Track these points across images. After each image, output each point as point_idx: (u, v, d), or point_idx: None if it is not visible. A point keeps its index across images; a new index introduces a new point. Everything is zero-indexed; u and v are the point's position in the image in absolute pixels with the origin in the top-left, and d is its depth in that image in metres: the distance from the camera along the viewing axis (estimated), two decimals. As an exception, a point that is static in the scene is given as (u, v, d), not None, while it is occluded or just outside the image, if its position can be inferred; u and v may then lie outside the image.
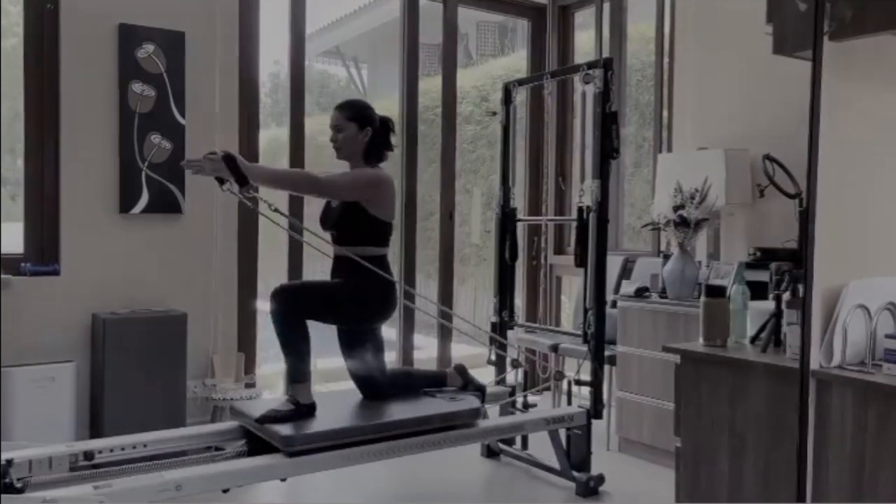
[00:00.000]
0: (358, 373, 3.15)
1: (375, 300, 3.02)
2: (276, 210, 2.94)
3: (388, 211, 3.03)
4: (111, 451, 2.70)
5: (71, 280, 3.56)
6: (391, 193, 3.05)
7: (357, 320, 3.08)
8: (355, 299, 2.98)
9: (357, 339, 3.13)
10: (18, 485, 2.35)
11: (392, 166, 5.30)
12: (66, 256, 3.57)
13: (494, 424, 3.34)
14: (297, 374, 2.86)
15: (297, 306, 2.87)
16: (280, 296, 2.86)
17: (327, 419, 2.82)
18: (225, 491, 2.53)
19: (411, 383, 3.26)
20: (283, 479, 2.75)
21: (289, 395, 2.88)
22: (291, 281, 3.08)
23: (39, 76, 3.58)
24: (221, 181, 2.80)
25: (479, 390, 3.28)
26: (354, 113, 3.05)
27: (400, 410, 2.98)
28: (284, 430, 2.68)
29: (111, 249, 3.66)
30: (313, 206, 3.20)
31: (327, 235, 3.09)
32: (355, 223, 2.98)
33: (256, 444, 2.79)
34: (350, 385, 3.24)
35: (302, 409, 2.82)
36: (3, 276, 3.39)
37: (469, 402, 3.11)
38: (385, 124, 3.12)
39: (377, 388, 3.14)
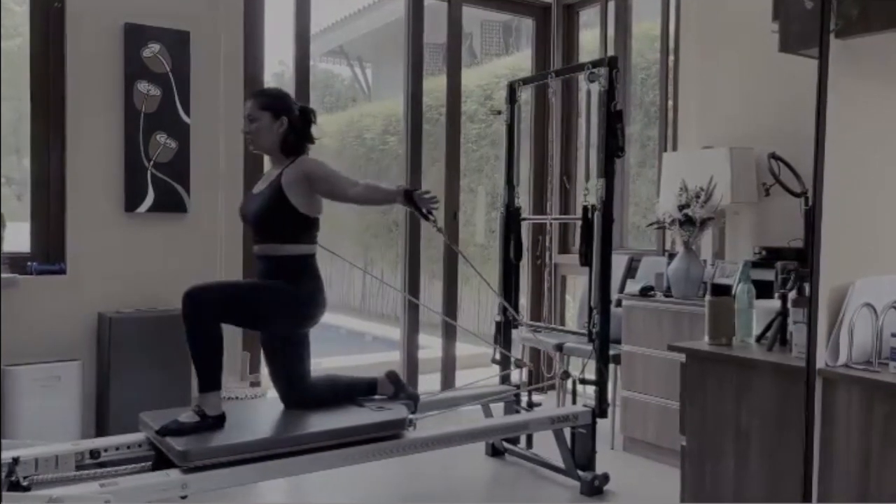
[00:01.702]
0: (279, 380, 2.95)
1: (303, 304, 2.83)
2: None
3: (317, 206, 2.86)
4: (117, 449, 2.70)
5: (77, 279, 3.57)
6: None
7: (281, 325, 2.88)
8: (280, 303, 2.77)
9: (280, 343, 2.94)
10: (24, 483, 2.36)
11: (396, 165, 5.31)
12: (71, 255, 3.58)
13: (499, 423, 3.34)
14: (206, 382, 2.65)
15: (211, 309, 2.67)
16: (193, 298, 2.66)
17: (235, 432, 2.63)
18: (183, 497, 2.41)
19: (337, 391, 3.02)
20: (184, 497, 2.46)
21: (195, 406, 2.67)
22: (206, 281, 2.83)
23: (45, 76, 3.59)
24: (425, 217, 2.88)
25: (412, 399, 3.07)
26: (268, 101, 2.87)
27: (318, 421, 2.77)
28: (181, 443, 2.47)
29: (117, 248, 3.67)
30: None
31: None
32: (280, 219, 2.79)
33: (160, 458, 2.62)
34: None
35: (208, 421, 2.62)
36: (10, 275, 3.39)
37: (396, 411, 2.89)
38: (305, 115, 2.93)
39: (299, 396, 2.92)
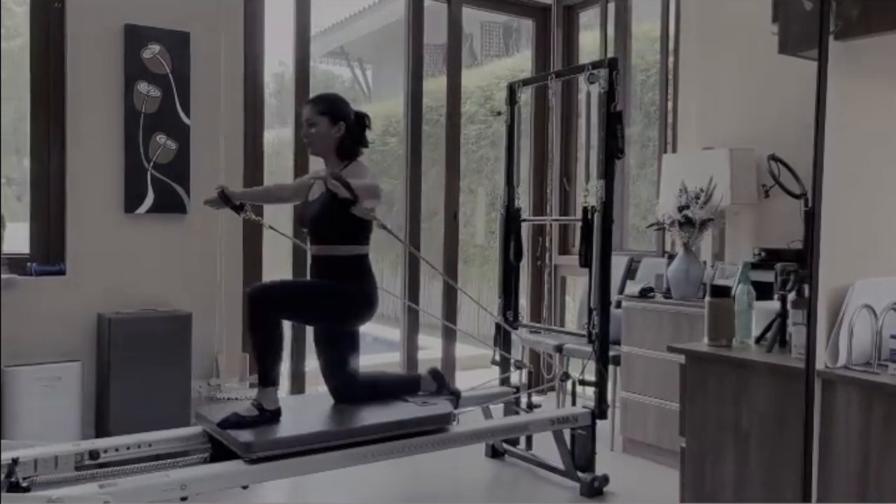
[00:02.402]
0: (330, 376, 3.06)
1: (357, 301, 2.94)
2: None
3: (370, 211, 2.94)
4: (116, 450, 2.70)
5: (76, 280, 3.57)
6: (379, 196, 2.94)
7: (337, 322, 2.99)
8: (336, 300, 2.88)
9: (333, 340, 3.05)
10: (24, 483, 2.36)
11: (396, 166, 5.32)
12: (71, 256, 3.58)
13: (499, 424, 3.34)
14: (266, 377, 2.76)
15: (274, 307, 2.78)
16: (257, 296, 2.77)
17: (291, 425, 2.74)
18: (183, 499, 2.44)
19: (383, 387, 3.14)
20: (245, 487, 2.66)
21: (254, 400, 2.78)
22: (270, 280, 2.97)
23: (45, 76, 3.59)
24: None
25: (454, 395, 3.19)
26: (327, 107, 2.96)
27: (368, 415, 2.89)
28: (244, 435, 2.60)
29: (116, 249, 3.67)
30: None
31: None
32: (335, 221, 2.88)
33: (219, 450, 2.71)
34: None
35: (266, 415, 2.73)
36: (9, 275, 3.40)
37: (441, 406, 3.01)
38: (360, 119, 3.02)
39: (349, 392, 3.04)
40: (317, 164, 3.28)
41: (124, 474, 2.54)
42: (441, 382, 3.22)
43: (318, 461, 2.65)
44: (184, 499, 2.43)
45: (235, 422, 2.68)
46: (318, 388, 4.18)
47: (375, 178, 2.94)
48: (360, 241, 2.95)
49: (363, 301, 2.95)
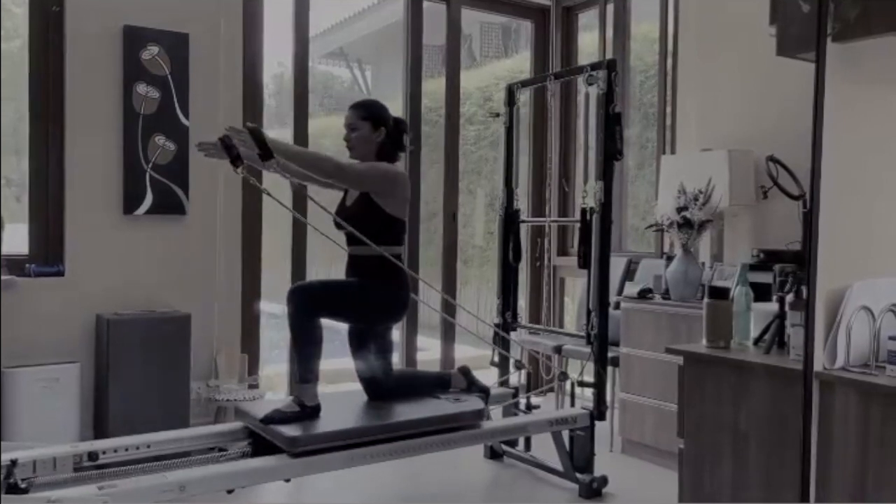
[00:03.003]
0: (365, 373, 3.16)
1: (392, 300, 3.03)
2: (282, 204, 2.95)
3: (402, 208, 3.03)
4: (115, 451, 2.70)
5: (75, 281, 3.57)
6: (407, 191, 3.07)
7: (372, 320, 3.10)
8: (372, 299, 2.98)
9: (367, 339, 3.15)
10: (23, 485, 2.36)
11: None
12: (70, 257, 3.58)
13: (498, 426, 3.34)
14: (306, 374, 2.85)
15: (314, 305, 2.87)
16: (297, 295, 2.86)
17: (332, 420, 2.82)
18: (229, 492, 2.54)
19: (416, 385, 3.25)
20: (288, 480, 2.75)
21: (294, 396, 2.88)
22: (308, 280, 3.11)
23: (44, 77, 3.59)
24: (235, 163, 2.67)
25: (483, 392, 3.28)
26: (369, 112, 3.07)
27: (404, 412, 2.98)
28: (289, 430, 2.68)
29: (115, 250, 3.67)
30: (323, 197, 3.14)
31: (335, 232, 3.06)
32: (370, 221, 2.96)
33: (260, 444, 2.80)
34: (354, 386, 3.24)
35: (307, 410, 2.82)
36: (8, 276, 3.40)
37: (473, 403, 3.11)
38: (398, 125, 3.13)
39: (383, 389, 3.14)
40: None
41: (123, 475, 2.53)
42: (471, 379, 3.31)
43: (360, 455, 2.74)
44: (230, 491, 2.53)
45: (279, 418, 2.76)
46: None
47: (404, 179, 3.07)
48: (393, 241, 3.03)
49: (396, 300, 3.04)
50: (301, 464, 2.64)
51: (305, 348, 2.86)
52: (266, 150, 2.65)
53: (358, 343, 3.17)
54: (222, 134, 2.69)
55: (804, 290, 2.05)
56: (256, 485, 2.66)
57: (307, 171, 2.90)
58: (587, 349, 3.38)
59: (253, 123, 2.78)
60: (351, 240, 3.04)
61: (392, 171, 3.03)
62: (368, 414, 3.01)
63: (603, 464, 3.41)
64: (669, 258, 3.70)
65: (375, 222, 2.96)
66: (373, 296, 2.98)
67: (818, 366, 1.99)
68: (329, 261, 3.25)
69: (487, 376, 3.84)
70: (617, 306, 3.76)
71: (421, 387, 3.24)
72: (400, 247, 3.06)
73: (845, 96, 2.00)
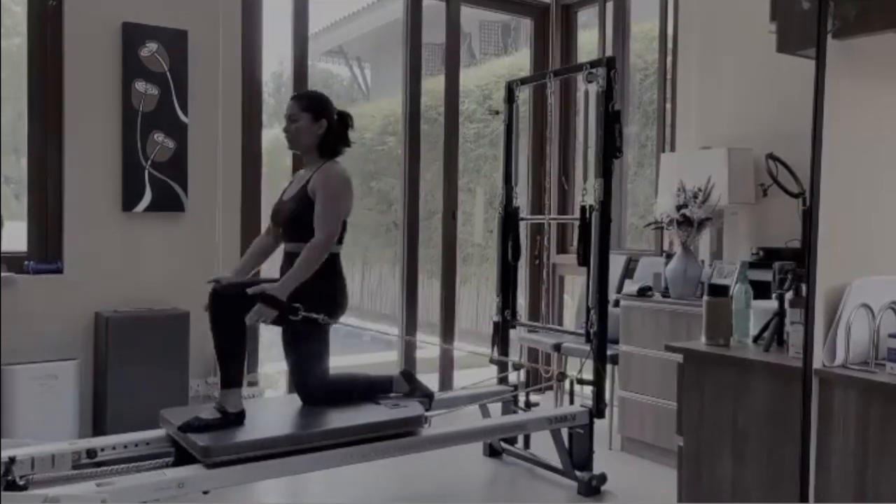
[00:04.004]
0: (298, 377, 3.00)
1: (327, 301, 2.88)
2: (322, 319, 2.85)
3: (346, 210, 2.95)
4: (114, 448, 2.70)
5: (74, 278, 3.57)
6: (352, 192, 2.97)
7: (303, 322, 2.88)
8: (305, 300, 2.80)
9: (301, 341, 2.98)
10: (21, 482, 2.36)
11: (394, 166, 5.32)
12: (69, 255, 3.58)
13: (497, 423, 3.34)
14: (229, 379, 2.72)
15: (239, 306, 2.72)
16: (219, 295, 2.74)
17: (254, 428, 2.68)
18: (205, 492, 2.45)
19: (354, 390, 3.07)
20: (206, 492, 2.52)
21: (216, 403, 2.73)
22: (232, 280, 2.90)
23: (43, 75, 3.58)
24: (295, 314, 2.78)
25: (426, 396, 3.12)
26: (310, 103, 2.98)
27: (335, 418, 2.82)
28: (203, 439, 2.53)
29: (114, 248, 3.66)
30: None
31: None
32: (310, 220, 2.85)
33: (182, 454, 2.65)
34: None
35: (229, 417, 2.68)
36: (7, 274, 3.39)
37: (412, 409, 2.94)
38: (343, 119, 3.03)
39: (317, 394, 2.98)
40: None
41: (121, 473, 2.53)
42: (413, 384, 3.16)
43: (279, 465, 2.58)
44: (206, 492, 2.45)
45: (197, 425, 2.62)
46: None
47: (347, 184, 2.93)
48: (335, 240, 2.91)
49: (333, 301, 2.92)
50: (215, 475, 2.47)
51: (228, 353, 2.73)
52: (290, 309, 2.76)
53: (292, 345, 3.00)
54: (249, 321, 2.73)
55: (804, 287, 2.04)
56: (169, 497, 2.40)
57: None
58: (586, 347, 3.37)
59: (262, 293, 2.71)
60: (287, 236, 2.95)
61: (343, 180, 2.91)
62: (295, 421, 2.84)
63: (602, 462, 3.40)
64: (669, 256, 3.70)
65: (313, 220, 2.85)
66: (308, 297, 2.81)
67: (817, 363, 1.99)
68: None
69: (487, 374, 3.84)
70: (616, 304, 3.76)
71: (359, 391, 3.07)
72: (339, 246, 2.95)
73: (845, 93, 1.99)
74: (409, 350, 4.70)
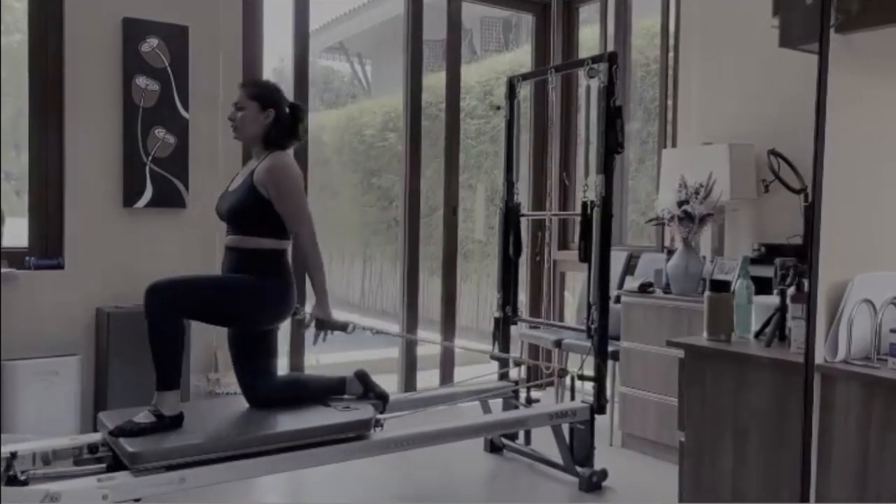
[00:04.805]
0: (244, 379, 2.88)
1: (271, 300, 2.77)
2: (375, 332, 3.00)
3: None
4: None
5: (75, 274, 3.57)
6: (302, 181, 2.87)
7: (248, 321, 2.82)
8: (247, 298, 2.71)
9: (247, 341, 2.88)
10: (22, 477, 2.36)
11: (395, 162, 5.31)
12: (69, 250, 3.58)
13: (498, 419, 3.34)
14: (165, 381, 2.58)
15: (176, 304, 2.60)
16: (155, 292, 2.58)
17: (190, 433, 2.54)
18: (136, 501, 2.36)
19: (303, 391, 2.96)
20: (137, 500, 2.38)
21: (151, 406, 2.58)
22: (170, 276, 2.71)
23: (43, 71, 3.58)
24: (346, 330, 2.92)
25: (381, 398, 2.99)
26: (258, 92, 2.85)
27: (280, 422, 2.70)
28: (133, 445, 2.40)
29: (115, 243, 3.66)
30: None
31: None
32: (255, 214, 2.74)
33: (116, 459, 2.53)
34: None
35: (165, 421, 2.54)
36: (8, 269, 3.39)
37: (362, 411, 2.81)
38: (295, 111, 2.91)
39: (265, 395, 2.86)
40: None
41: (122, 468, 2.53)
42: (367, 385, 3.02)
43: (214, 472, 2.46)
44: (137, 500, 2.35)
45: (130, 429, 2.49)
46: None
47: (298, 174, 2.83)
48: (282, 235, 2.80)
49: (280, 298, 2.79)
50: (144, 482, 2.35)
51: (164, 353, 2.59)
52: (341, 325, 2.87)
53: (236, 344, 2.89)
54: (315, 341, 2.86)
55: (805, 283, 2.04)
56: (174, 495, 2.36)
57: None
58: (587, 343, 3.37)
59: (316, 318, 2.80)
60: (231, 229, 2.82)
61: (292, 173, 2.79)
62: (238, 425, 2.70)
63: (603, 457, 3.41)
64: (670, 252, 3.70)
65: (261, 213, 2.74)
66: (252, 293, 2.71)
67: (819, 359, 1.99)
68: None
69: (488, 370, 3.84)
70: (617, 300, 3.76)
71: (310, 393, 2.96)
72: (287, 242, 2.83)
73: (848, 87, 1.99)
74: (409, 347, 4.70)
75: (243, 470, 2.54)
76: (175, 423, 2.58)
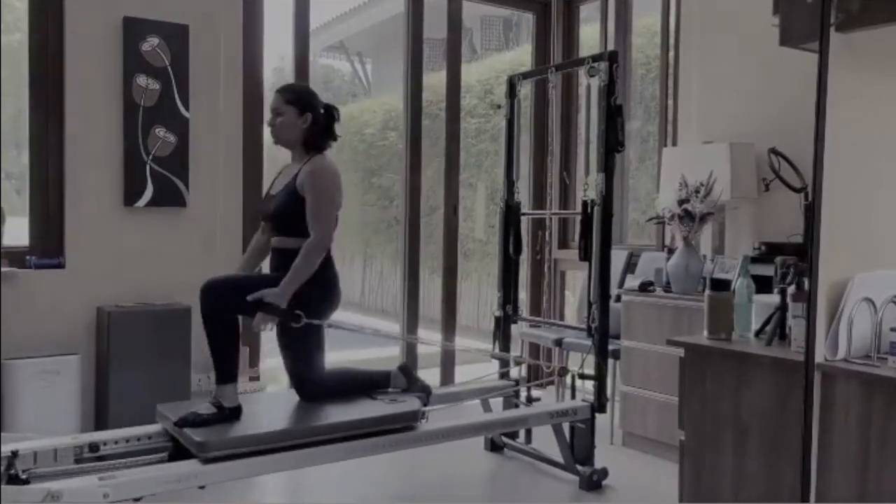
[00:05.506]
0: (294, 373, 3.00)
1: (318, 297, 2.86)
2: (327, 325, 2.90)
3: (338, 204, 2.92)
4: (116, 443, 2.70)
5: (75, 273, 3.57)
6: (341, 184, 2.92)
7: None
8: (294, 295, 2.78)
9: (296, 336, 2.93)
10: (23, 476, 2.36)
11: (396, 161, 5.31)
12: (70, 249, 3.58)
13: (498, 418, 3.34)
14: (224, 374, 2.71)
15: (229, 303, 2.71)
16: (210, 290, 2.71)
17: (251, 423, 2.68)
18: (136, 500, 2.38)
19: (351, 384, 3.06)
20: (202, 487, 2.51)
21: (212, 398, 2.72)
22: (223, 275, 2.87)
23: (44, 70, 3.58)
24: (297, 321, 2.79)
25: (424, 391, 3.10)
26: (295, 97, 2.92)
27: (332, 413, 2.81)
28: (200, 434, 2.52)
29: (116, 242, 3.67)
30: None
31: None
32: (299, 216, 2.83)
33: (178, 449, 2.65)
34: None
35: (225, 412, 2.67)
36: (8, 269, 3.39)
37: (409, 404, 2.93)
38: (329, 112, 2.98)
39: (314, 389, 2.96)
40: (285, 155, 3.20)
41: (124, 467, 2.54)
42: (411, 378, 3.14)
43: (275, 461, 2.58)
44: (137, 500, 2.36)
45: (193, 420, 2.61)
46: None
47: (337, 178, 2.89)
48: None
49: (325, 295, 2.89)
50: (211, 470, 2.46)
51: (221, 348, 2.71)
52: (292, 316, 2.77)
53: (286, 340, 2.97)
54: (253, 329, 2.78)
55: (805, 281, 2.04)
56: (168, 491, 2.40)
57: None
58: (588, 342, 3.37)
59: (262, 301, 2.71)
60: (277, 230, 2.93)
61: (331, 173, 2.87)
62: (292, 416, 2.83)
63: (603, 456, 3.41)
64: (670, 251, 3.70)
65: (304, 214, 2.82)
66: (298, 292, 2.78)
67: (819, 357, 1.99)
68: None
69: (488, 369, 3.84)
70: (618, 299, 3.76)
71: (356, 386, 3.06)
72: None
73: (848, 86, 1.99)
74: (410, 345, 4.70)
75: (301, 459, 2.63)
76: (235, 414, 2.70)
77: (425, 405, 3.01)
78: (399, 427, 2.83)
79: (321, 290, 2.88)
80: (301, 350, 2.96)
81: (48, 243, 3.60)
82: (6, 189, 3.96)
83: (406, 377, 3.14)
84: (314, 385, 2.97)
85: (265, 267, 3.21)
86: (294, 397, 2.99)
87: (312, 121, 2.92)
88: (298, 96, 2.93)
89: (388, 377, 3.13)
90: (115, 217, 3.67)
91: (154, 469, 2.45)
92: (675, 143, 4.23)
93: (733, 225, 3.80)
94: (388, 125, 7.53)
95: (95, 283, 3.60)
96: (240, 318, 2.80)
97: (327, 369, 3.06)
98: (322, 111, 2.96)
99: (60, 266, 3.56)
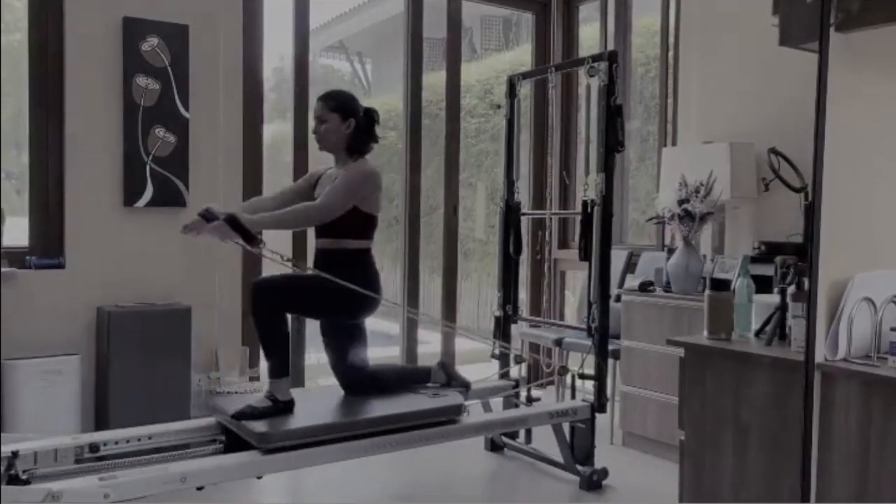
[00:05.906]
0: (339, 368, 3.12)
1: (359, 294, 2.95)
2: (285, 259, 2.94)
3: (375, 204, 2.99)
4: (116, 443, 2.70)
5: (76, 273, 3.57)
6: (379, 186, 3.00)
7: (340, 315, 3.04)
8: (338, 294, 2.89)
9: (339, 333, 3.11)
10: (24, 476, 2.36)
11: (395, 161, 5.32)
12: (70, 250, 3.58)
13: (498, 418, 3.35)
14: (277, 369, 2.83)
15: (278, 301, 2.84)
16: (261, 290, 2.84)
17: (305, 416, 2.79)
18: (199, 488, 2.46)
19: (393, 380, 3.21)
20: (259, 477, 2.72)
21: (267, 392, 2.84)
22: (272, 274, 2.99)
23: (44, 70, 3.58)
24: (251, 243, 2.79)
25: (464, 386, 3.25)
26: (338, 104, 3.02)
27: (380, 407, 2.94)
28: (260, 426, 2.65)
29: (116, 243, 3.67)
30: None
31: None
32: (341, 219, 2.92)
33: (233, 440, 2.76)
34: (333, 381, 3.19)
35: (279, 406, 2.79)
36: (8, 269, 3.39)
37: (452, 398, 3.07)
38: (369, 116, 3.08)
39: (359, 384, 3.10)
40: (322, 159, 3.28)
41: (124, 467, 2.54)
42: (450, 374, 3.28)
43: (331, 451, 2.70)
44: (200, 488, 2.47)
45: (250, 413, 2.74)
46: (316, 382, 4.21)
47: (370, 177, 2.96)
48: (365, 235, 3.01)
49: (366, 295, 2.98)
50: (272, 460, 2.59)
51: (273, 345, 2.83)
52: (249, 236, 2.73)
53: (330, 338, 3.13)
54: (201, 210, 2.75)
55: (805, 281, 2.04)
56: (226, 481, 2.57)
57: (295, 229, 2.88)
58: (588, 342, 3.38)
59: (228, 213, 2.71)
60: (319, 232, 3.01)
61: (363, 175, 2.95)
62: (342, 410, 2.96)
63: (603, 456, 3.41)
64: (670, 251, 3.70)
65: (345, 217, 2.92)
66: (341, 290, 2.88)
67: (819, 357, 1.99)
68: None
69: (488, 369, 3.84)
70: (618, 299, 3.76)
71: (399, 382, 3.21)
72: (370, 241, 3.04)
73: (848, 86, 1.99)
74: (410, 345, 4.70)
75: (353, 450, 2.74)
76: (288, 407, 2.82)
77: (466, 399, 3.14)
78: (444, 419, 2.96)
79: (363, 287, 2.96)
80: (347, 347, 3.09)
81: (48, 243, 3.60)
82: (6, 189, 3.96)
83: (446, 373, 3.28)
84: (360, 380, 3.11)
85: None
86: (340, 392, 3.11)
87: (355, 126, 3.02)
88: (341, 103, 3.03)
89: (428, 373, 3.28)
90: (115, 217, 3.67)
91: (156, 469, 2.45)
92: (674, 143, 4.23)
93: (733, 225, 3.80)
94: (387, 125, 7.50)
95: (95, 284, 3.60)
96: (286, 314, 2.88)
97: (372, 365, 3.19)
98: (363, 114, 3.06)
99: (60, 266, 3.56)
